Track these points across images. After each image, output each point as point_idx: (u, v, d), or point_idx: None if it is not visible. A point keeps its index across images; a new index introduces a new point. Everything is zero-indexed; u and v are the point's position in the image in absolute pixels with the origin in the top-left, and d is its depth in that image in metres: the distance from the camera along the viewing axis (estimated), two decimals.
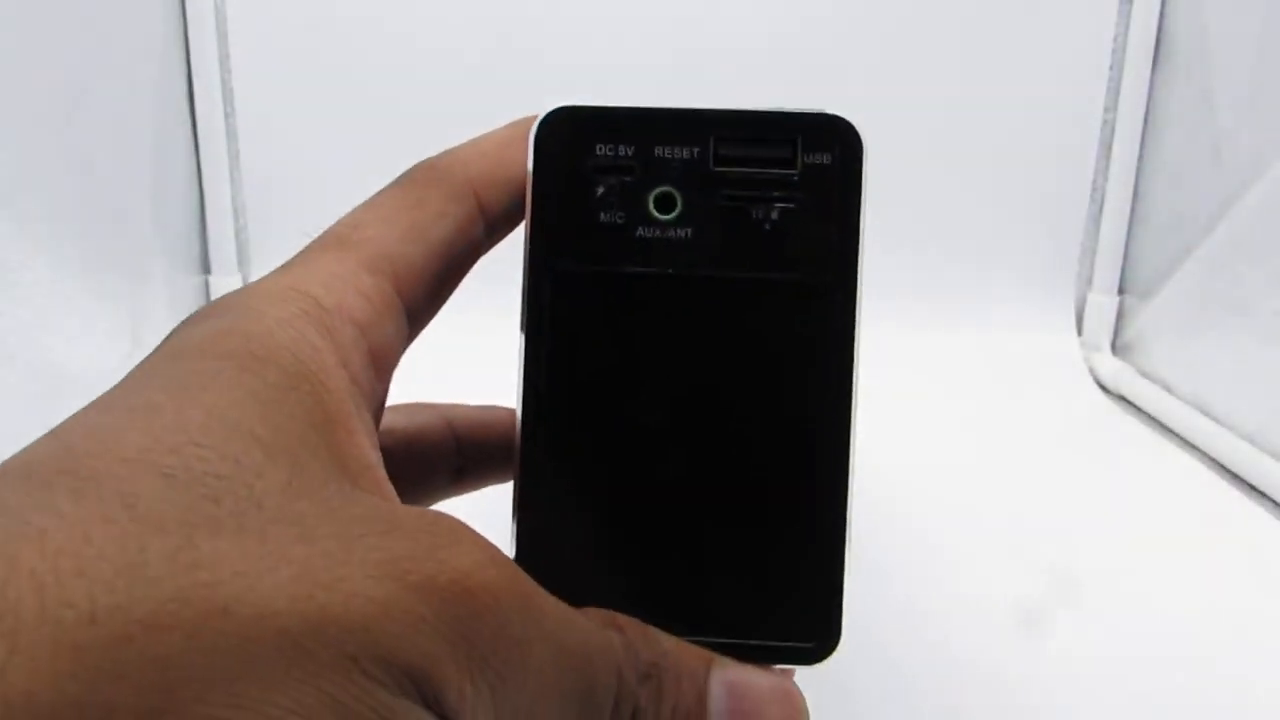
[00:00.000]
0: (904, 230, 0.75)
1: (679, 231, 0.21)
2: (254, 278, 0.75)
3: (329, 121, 0.74)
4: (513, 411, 0.21)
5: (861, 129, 0.20)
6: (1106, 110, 0.75)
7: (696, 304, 0.21)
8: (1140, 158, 0.75)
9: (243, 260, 0.75)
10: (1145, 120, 0.75)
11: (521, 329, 0.21)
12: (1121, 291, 0.78)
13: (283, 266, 0.20)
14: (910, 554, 0.45)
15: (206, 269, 0.75)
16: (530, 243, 0.21)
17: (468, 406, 0.26)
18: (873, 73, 0.73)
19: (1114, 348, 0.77)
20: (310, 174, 0.74)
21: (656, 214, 0.21)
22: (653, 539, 0.20)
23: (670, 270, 0.21)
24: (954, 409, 0.66)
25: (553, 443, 0.20)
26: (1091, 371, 0.74)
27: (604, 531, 0.20)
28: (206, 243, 0.75)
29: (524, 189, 0.21)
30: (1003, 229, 0.76)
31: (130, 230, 0.64)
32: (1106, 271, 0.77)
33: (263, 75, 0.73)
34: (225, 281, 0.74)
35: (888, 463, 0.52)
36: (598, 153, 0.21)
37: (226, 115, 0.73)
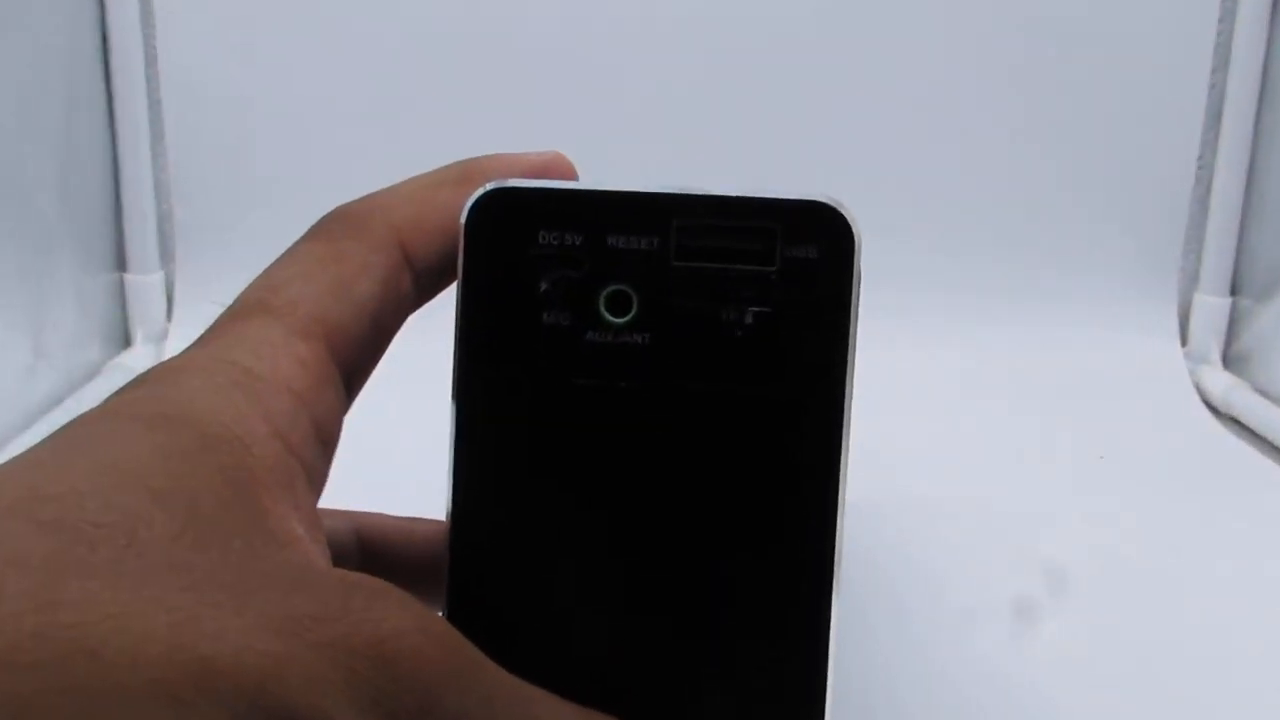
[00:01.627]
0: (973, 219, 0.74)
1: (635, 337, 0.21)
2: (179, 275, 0.77)
3: (269, 86, 0.74)
4: (438, 527, 0.21)
5: (853, 217, 0.21)
6: (1214, 72, 0.75)
7: (655, 423, 0.21)
8: (1256, 131, 0.74)
9: (165, 254, 0.76)
10: (1262, 83, 0.74)
11: (451, 442, 0.21)
12: (1234, 293, 0.78)
13: (202, 338, 0.21)
14: (985, 595, 0.46)
15: (122, 265, 0.75)
16: (461, 344, 0.21)
17: (385, 517, 0.26)
18: (941, 42, 0.73)
19: (1225, 360, 0.77)
20: (246, 149, 0.74)
21: (608, 316, 0.21)
22: (602, 684, 0.21)
23: (623, 384, 0.21)
24: (1032, 431, 0.65)
25: (488, 575, 0.21)
26: (1197, 387, 0.74)
27: (544, 668, 0.20)
28: (122, 233, 0.75)
29: (455, 239, 0.22)
30: (1090, 216, 0.76)
31: (31, 217, 0.65)
32: (1216, 268, 0.77)
33: (192, 34, 0.73)
34: (144, 280, 0.75)
35: (956, 495, 0.53)
36: (540, 241, 0.21)
37: (149, 80, 0.74)
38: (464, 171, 0.24)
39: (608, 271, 0.21)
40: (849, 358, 0.21)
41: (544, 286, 0.21)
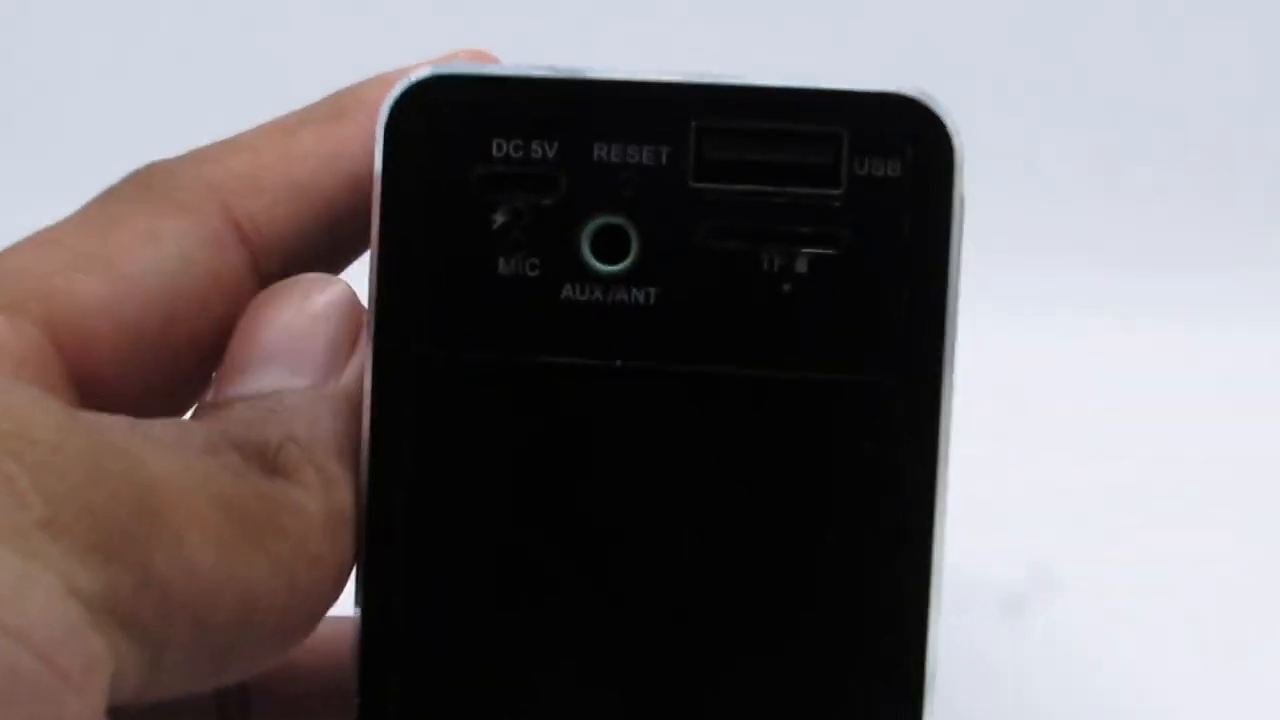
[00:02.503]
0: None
1: (635, 295, 0.18)
2: None
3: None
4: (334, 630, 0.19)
5: (953, 117, 0.17)
6: None
7: (665, 420, 0.18)
8: None
9: None
10: None
11: (365, 457, 0.18)
12: None
13: None
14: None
15: None
16: (378, 315, 0.18)
17: None
18: None
19: None
20: None
21: (596, 264, 0.18)
22: None
23: (619, 362, 0.18)
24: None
25: (419, 663, 0.18)
26: None
27: None
28: None
29: (320, 198, 0.20)
30: None
31: None
32: None
33: None
34: None
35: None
36: (495, 154, 0.18)
37: None
38: (336, 105, 0.21)
39: (595, 197, 0.18)
40: (948, 322, 0.17)
41: (500, 220, 0.18)
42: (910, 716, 0.18)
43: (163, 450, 0.16)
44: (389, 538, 0.18)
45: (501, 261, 0.18)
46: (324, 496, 0.18)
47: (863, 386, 0.18)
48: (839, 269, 0.17)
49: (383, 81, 0.20)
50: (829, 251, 0.17)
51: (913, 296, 0.17)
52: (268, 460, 0.17)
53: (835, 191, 0.17)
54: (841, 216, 0.17)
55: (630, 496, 0.18)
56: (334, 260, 0.21)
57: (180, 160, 0.20)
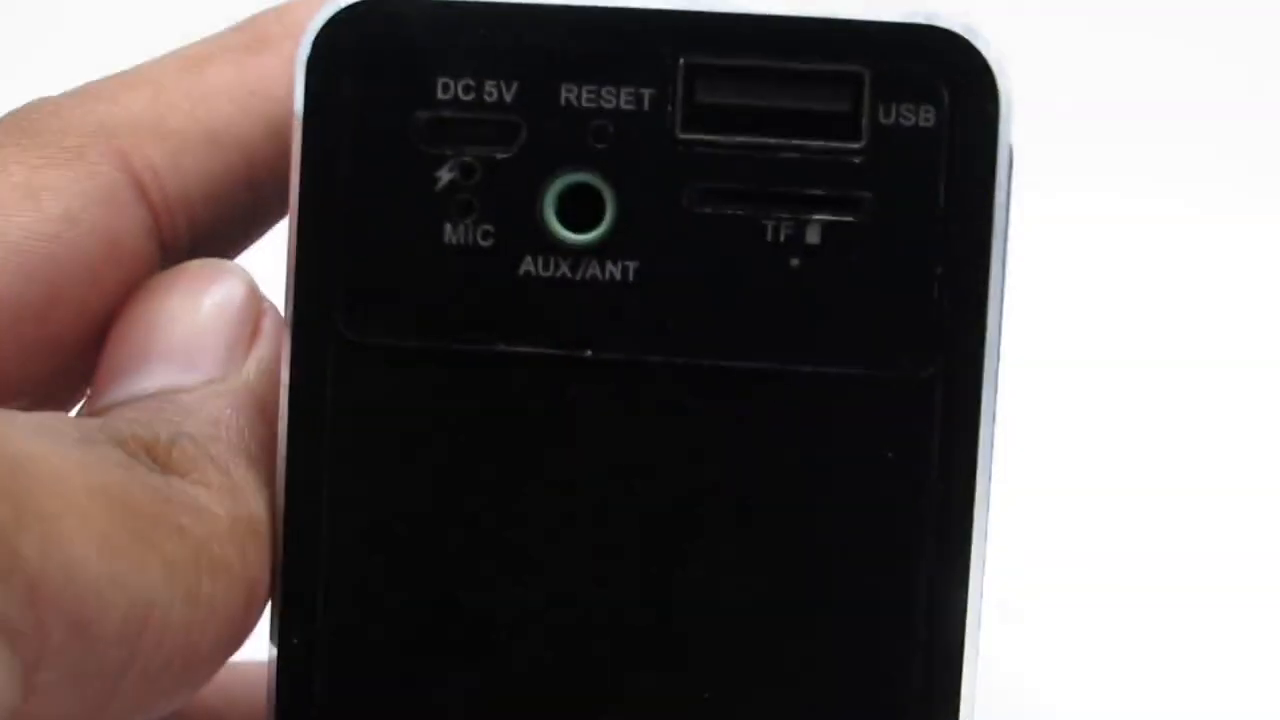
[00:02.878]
0: None
1: (609, 269, 0.16)
2: None
3: None
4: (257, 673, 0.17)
5: (996, 53, 0.15)
6: None
7: (646, 422, 0.16)
8: None
9: None
10: None
11: (281, 466, 0.16)
12: None
13: None
14: None
15: None
16: (297, 290, 0.16)
17: None
18: None
19: None
20: None
21: (562, 232, 0.16)
22: None
23: (588, 352, 0.16)
24: None
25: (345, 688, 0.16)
26: None
27: None
28: None
29: (235, 145, 0.18)
30: None
31: None
32: None
33: None
34: None
35: None
36: (441, 96, 0.16)
37: None
38: (256, 31, 0.19)
39: (561, 150, 0.16)
40: (991, 301, 0.15)
41: (446, 177, 0.16)
42: None
43: (30, 432, 0.15)
44: (310, 557, 0.16)
45: (448, 228, 0.16)
46: (229, 499, 0.16)
47: (887, 383, 0.16)
48: (859, 240, 0.15)
49: (310, 2, 0.18)
50: (847, 219, 0.15)
51: (949, 274, 0.15)
52: (158, 457, 0.16)
53: (855, 145, 0.15)
54: (863, 175, 0.15)
55: (603, 514, 0.16)
56: (250, 223, 0.19)
57: (67, 97, 0.18)
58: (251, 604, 0.16)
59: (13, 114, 0.18)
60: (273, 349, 0.17)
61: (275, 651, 0.16)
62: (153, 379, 0.17)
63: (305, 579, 0.16)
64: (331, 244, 0.16)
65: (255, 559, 0.16)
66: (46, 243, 0.17)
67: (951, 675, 0.16)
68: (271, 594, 0.16)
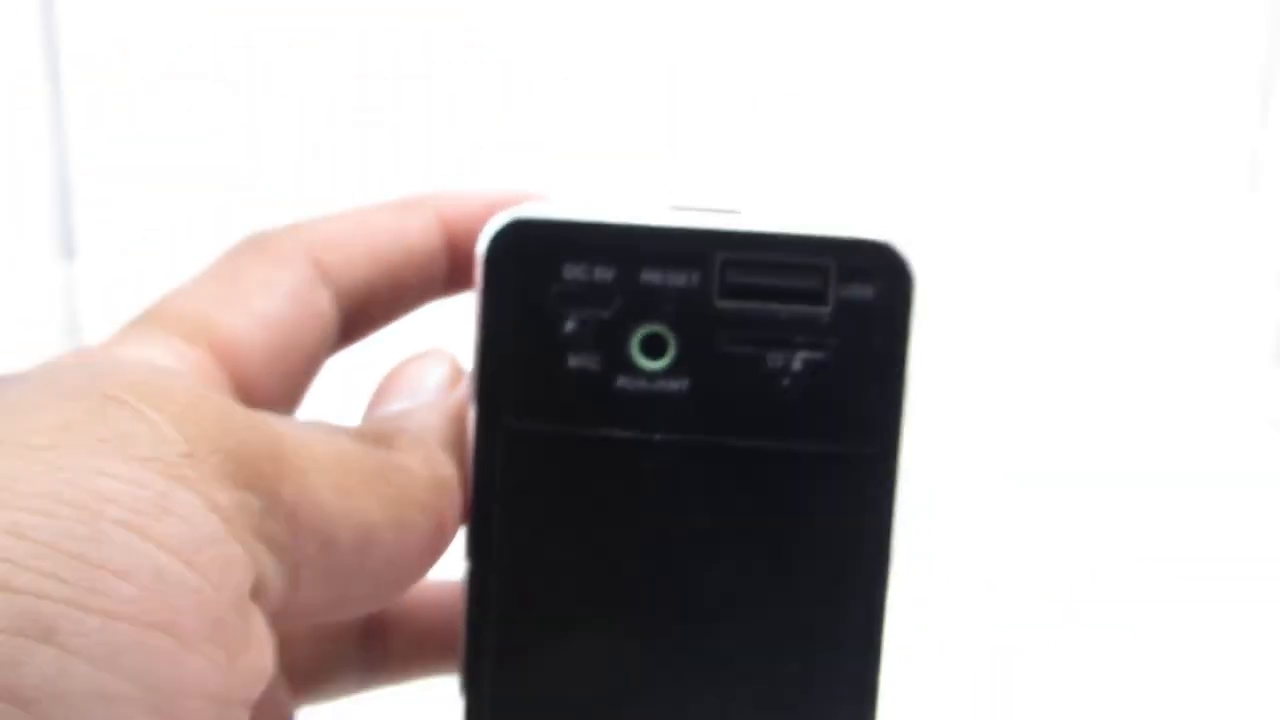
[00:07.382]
0: None
1: (672, 384, 0.20)
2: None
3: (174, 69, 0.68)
4: (453, 588, 0.21)
5: (911, 256, 0.20)
6: None
7: (692, 479, 0.20)
8: None
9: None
10: None
11: (472, 505, 0.21)
12: None
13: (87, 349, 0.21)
14: None
15: None
16: (478, 392, 0.20)
17: None
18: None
19: None
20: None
21: (642, 360, 0.20)
22: None
23: (658, 435, 0.20)
24: None
25: (509, 646, 0.21)
26: None
27: None
28: None
29: (390, 262, 0.23)
30: None
31: None
32: None
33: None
34: None
35: None
36: (566, 277, 0.20)
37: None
38: (406, 200, 0.24)
39: (642, 310, 0.20)
40: (904, 407, 0.20)
41: (570, 327, 0.20)
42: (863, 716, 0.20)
43: (287, 422, 0.18)
44: (491, 560, 0.20)
45: (570, 357, 0.20)
46: (429, 465, 0.19)
47: (842, 456, 0.20)
48: (826, 367, 0.20)
49: (441, 194, 0.24)
50: (819, 355, 0.20)
51: (882, 387, 0.20)
52: (382, 441, 0.19)
53: (824, 309, 0.20)
54: (829, 329, 0.20)
55: (663, 540, 0.20)
56: (392, 308, 0.24)
57: (273, 228, 0.23)
58: (441, 533, 0.19)
59: (249, 238, 0.23)
60: (463, 394, 0.21)
61: (468, 564, 0.20)
62: (395, 406, 0.21)
63: (483, 532, 0.20)
64: (500, 366, 0.20)
65: (446, 504, 0.19)
66: (280, 312, 0.22)
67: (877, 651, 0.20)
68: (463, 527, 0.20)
